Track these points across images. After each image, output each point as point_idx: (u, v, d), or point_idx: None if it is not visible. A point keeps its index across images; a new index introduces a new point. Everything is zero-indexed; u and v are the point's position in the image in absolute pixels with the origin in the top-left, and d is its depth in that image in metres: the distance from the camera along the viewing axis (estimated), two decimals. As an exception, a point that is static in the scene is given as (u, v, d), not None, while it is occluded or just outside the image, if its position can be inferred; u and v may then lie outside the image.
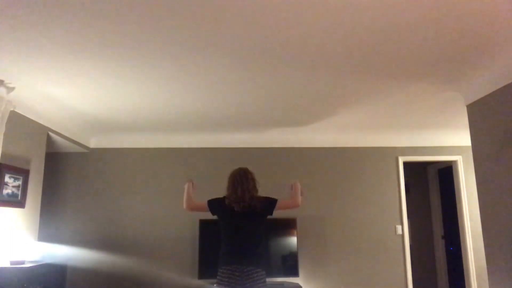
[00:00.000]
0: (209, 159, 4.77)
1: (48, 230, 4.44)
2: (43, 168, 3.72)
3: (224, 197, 2.86)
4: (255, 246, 2.78)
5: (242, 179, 2.81)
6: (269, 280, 4.22)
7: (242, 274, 2.63)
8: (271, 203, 2.85)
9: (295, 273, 4.35)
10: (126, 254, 4.49)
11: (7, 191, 3.14)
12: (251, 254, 2.74)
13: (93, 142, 4.74)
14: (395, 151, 4.90)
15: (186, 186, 3.04)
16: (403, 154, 4.89)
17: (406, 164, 4.97)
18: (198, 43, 2.36)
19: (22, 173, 3.34)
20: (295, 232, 4.45)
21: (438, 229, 5.88)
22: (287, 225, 4.46)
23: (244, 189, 2.78)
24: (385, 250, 4.65)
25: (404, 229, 4.72)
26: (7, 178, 3.13)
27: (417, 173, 6.09)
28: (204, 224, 4.34)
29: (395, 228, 4.72)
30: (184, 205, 3.00)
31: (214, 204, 2.89)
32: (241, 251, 2.74)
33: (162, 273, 4.47)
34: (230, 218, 2.80)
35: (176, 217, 4.58)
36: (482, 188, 3.05)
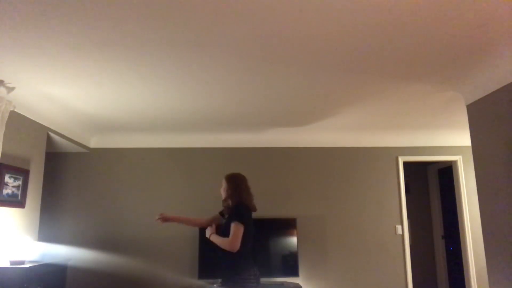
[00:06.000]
0: (209, 159, 4.77)
1: (48, 230, 4.44)
2: (43, 168, 3.72)
3: (245, 204, 2.80)
4: None
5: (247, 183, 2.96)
6: (269, 280, 4.25)
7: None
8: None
9: (295, 273, 4.35)
10: (126, 254, 4.49)
11: (7, 191, 3.14)
12: None
13: (93, 142, 4.74)
14: (395, 151, 4.90)
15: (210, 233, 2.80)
16: (403, 154, 4.89)
17: (406, 164, 4.97)
18: (199, 43, 2.36)
19: (22, 173, 3.34)
20: (295, 232, 4.45)
21: (438, 229, 5.88)
22: (287, 225, 4.46)
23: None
24: (385, 250, 4.65)
25: (404, 229, 4.72)
26: (7, 178, 3.13)
27: (417, 173, 6.09)
28: (204, 224, 4.33)
29: (395, 228, 4.72)
30: (237, 247, 2.60)
31: (249, 219, 2.76)
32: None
33: (162, 273, 4.46)
34: (252, 219, 2.84)
35: (176, 217, 4.58)
36: (482, 188, 3.05)
